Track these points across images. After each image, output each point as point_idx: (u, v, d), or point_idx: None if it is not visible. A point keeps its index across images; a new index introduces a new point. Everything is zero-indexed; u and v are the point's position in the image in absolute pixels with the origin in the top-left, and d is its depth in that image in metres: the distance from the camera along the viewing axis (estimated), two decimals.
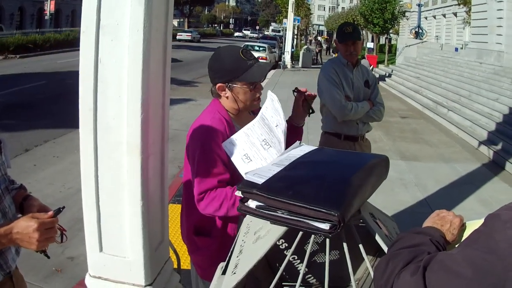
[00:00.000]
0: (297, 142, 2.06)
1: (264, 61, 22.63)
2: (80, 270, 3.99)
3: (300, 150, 1.93)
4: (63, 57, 23.63)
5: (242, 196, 1.62)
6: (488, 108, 12.43)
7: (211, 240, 2.37)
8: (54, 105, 11.61)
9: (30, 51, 24.77)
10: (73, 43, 27.06)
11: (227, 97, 2.35)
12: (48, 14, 38.07)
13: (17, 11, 42.71)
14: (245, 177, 1.69)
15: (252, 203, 1.58)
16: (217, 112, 2.34)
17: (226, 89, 2.33)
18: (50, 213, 1.70)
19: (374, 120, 4.22)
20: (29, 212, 1.79)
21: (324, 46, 52.43)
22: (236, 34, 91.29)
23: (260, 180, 1.61)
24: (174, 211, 5.29)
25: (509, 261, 1.04)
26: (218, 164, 2.20)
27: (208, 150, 2.21)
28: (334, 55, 30.24)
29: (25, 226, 1.61)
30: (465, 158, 9.11)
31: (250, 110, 2.46)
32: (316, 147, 2.00)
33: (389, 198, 6.14)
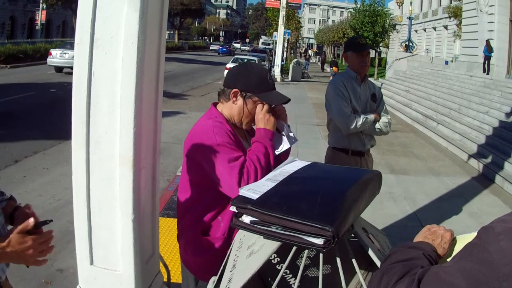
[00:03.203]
0: (291, 157, 2.07)
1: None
2: (69, 283, 3.95)
3: (293, 165, 1.94)
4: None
5: (237, 211, 1.62)
6: (478, 121, 12.53)
7: (217, 239, 2.38)
8: (44, 115, 11.55)
9: (20, 61, 24.74)
10: None
11: (235, 104, 2.41)
12: (39, 24, 38.07)
13: (8, 21, 42.61)
14: (240, 192, 1.70)
15: (246, 218, 1.58)
16: (214, 117, 2.40)
17: (239, 97, 2.40)
18: (31, 221, 1.63)
19: (382, 133, 4.24)
20: (21, 221, 1.76)
21: (315, 60, 52.32)
22: None
23: (254, 196, 1.61)
24: (164, 225, 5.27)
25: (503, 271, 1.05)
26: (236, 151, 2.27)
27: (225, 141, 2.26)
28: (332, 70, 30.28)
29: (20, 244, 1.59)
30: (454, 172, 9.16)
31: (243, 128, 2.52)
32: (310, 162, 2.01)
33: (378, 211, 6.13)
